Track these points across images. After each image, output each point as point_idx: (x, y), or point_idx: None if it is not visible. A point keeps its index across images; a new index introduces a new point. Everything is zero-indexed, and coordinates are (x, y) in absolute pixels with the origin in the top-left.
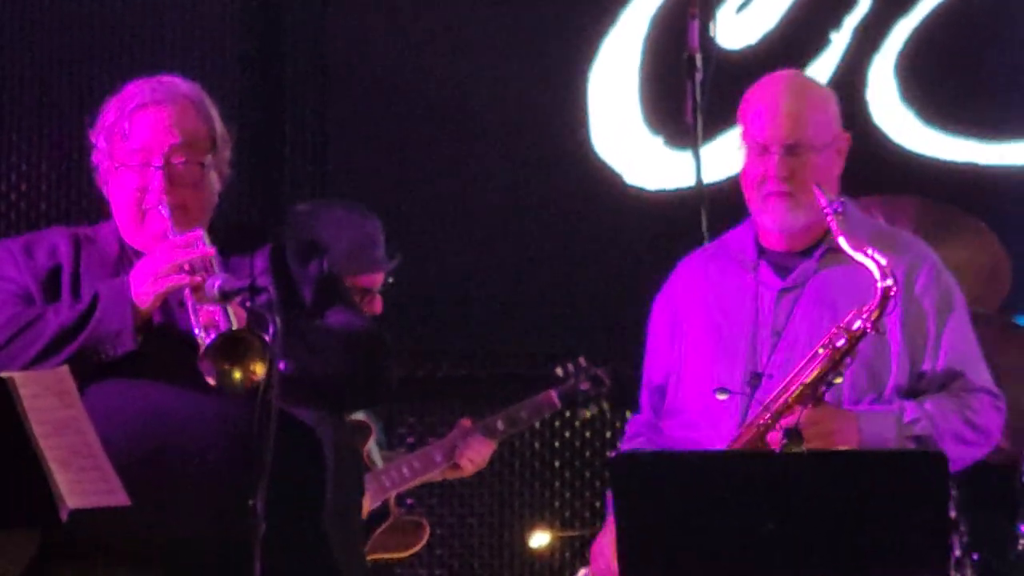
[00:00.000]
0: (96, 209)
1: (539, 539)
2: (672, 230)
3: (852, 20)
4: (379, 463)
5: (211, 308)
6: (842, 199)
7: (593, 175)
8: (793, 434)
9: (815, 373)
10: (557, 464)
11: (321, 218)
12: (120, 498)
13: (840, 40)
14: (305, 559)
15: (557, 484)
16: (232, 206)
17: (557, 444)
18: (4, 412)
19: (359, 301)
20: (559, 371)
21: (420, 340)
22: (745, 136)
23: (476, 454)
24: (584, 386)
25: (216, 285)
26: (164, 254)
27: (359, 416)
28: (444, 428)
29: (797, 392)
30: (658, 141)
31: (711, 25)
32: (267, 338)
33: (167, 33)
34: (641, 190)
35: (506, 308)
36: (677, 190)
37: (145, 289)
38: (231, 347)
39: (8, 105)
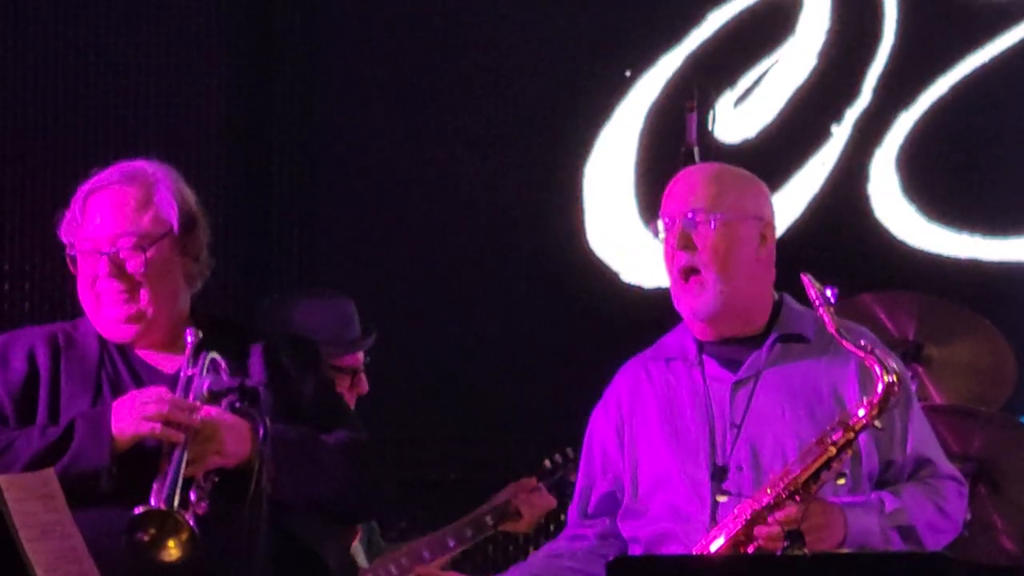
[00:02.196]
0: (79, 308)
1: None
2: (670, 328)
3: (853, 113)
4: (364, 563)
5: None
6: (832, 287)
7: (589, 272)
8: (795, 536)
9: (810, 468)
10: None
11: (295, 306)
12: None
13: (841, 133)
14: None
15: None
16: (219, 294)
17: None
18: None
19: (349, 383)
20: (547, 463)
21: (409, 435)
22: (660, 217)
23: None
24: (572, 477)
25: (205, 385)
26: (155, 401)
27: None
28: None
29: (790, 486)
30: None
31: (709, 118)
32: (259, 438)
33: (151, 119)
34: (638, 288)
35: (498, 401)
36: None
37: (126, 427)
38: (160, 522)
39: None
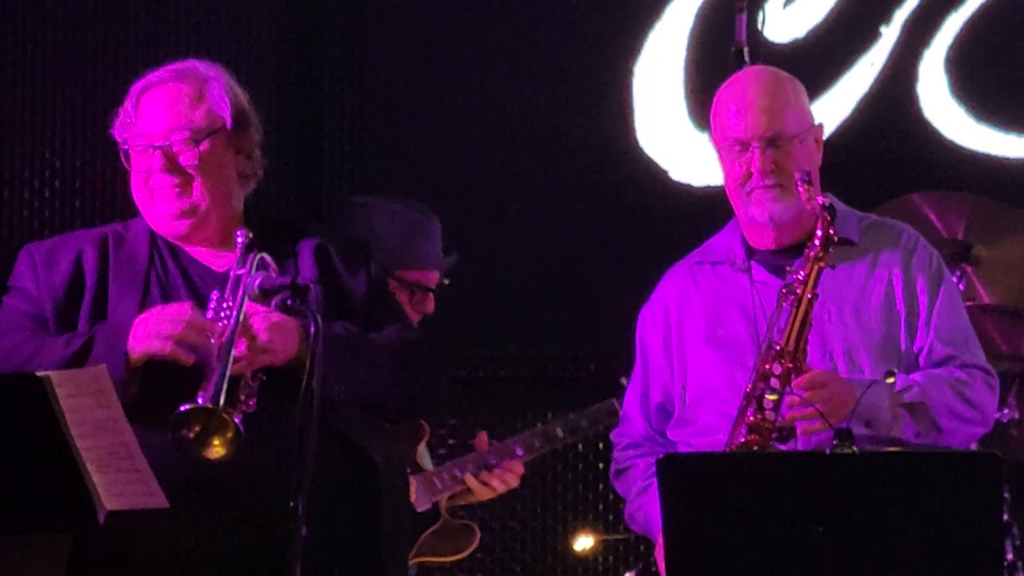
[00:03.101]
0: (131, 205)
1: (583, 543)
2: (719, 227)
3: (902, 14)
4: (430, 465)
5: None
6: (827, 195)
7: (639, 171)
8: (844, 435)
9: (794, 334)
10: (601, 466)
11: (377, 209)
12: (158, 500)
13: (890, 34)
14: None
15: (601, 487)
16: (270, 197)
17: (601, 446)
18: (41, 411)
19: (410, 297)
20: (624, 381)
21: (465, 342)
22: (719, 137)
23: (495, 481)
24: None
25: (256, 283)
26: (171, 321)
27: None
28: (492, 432)
29: (777, 353)
30: (704, 137)
31: (759, 18)
32: (310, 335)
33: (201, 27)
34: (687, 186)
35: (552, 309)
36: (723, 186)
37: (139, 344)
38: (205, 419)
39: (41, 101)
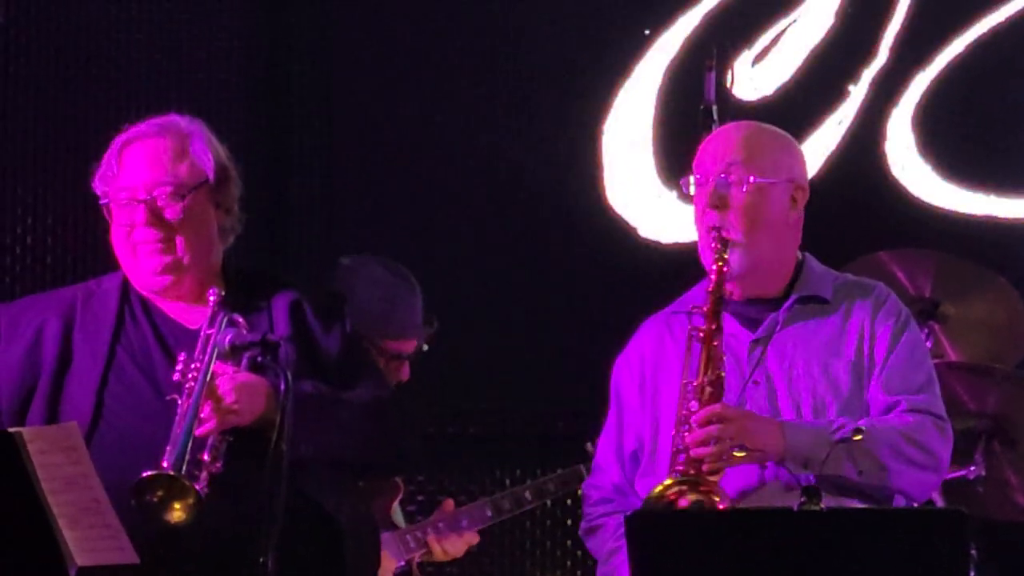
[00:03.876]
0: (103, 262)
1: None
2: (687, 284)
3: (869, 72)
4: (403, 522)
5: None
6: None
7: (607, 228)
8: (812, 492)
9: (704, 364)
10: (569, 523)
11: (361, 275)
12: (129, 555)
13: (857, 92)
14: None
15: (569, 543)
16: (239, 253)
17: (569, 503)
18: (13, 468)
19: (386, 365)
20: (589, 446)
21: (434, 399)
22: (693, 173)
23: (451, 546)
24: None
25: (227, 340)
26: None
27: None
28: (461, 488)
29: (693, 391)
30: (672, 195)
31: (727, 77)
32: (280, 393)
33: (171, 81)
34: (656, 243)
35: (521, 365)
36: (692, 243)
37: None
38: (167, 485)
39: (11, 155)
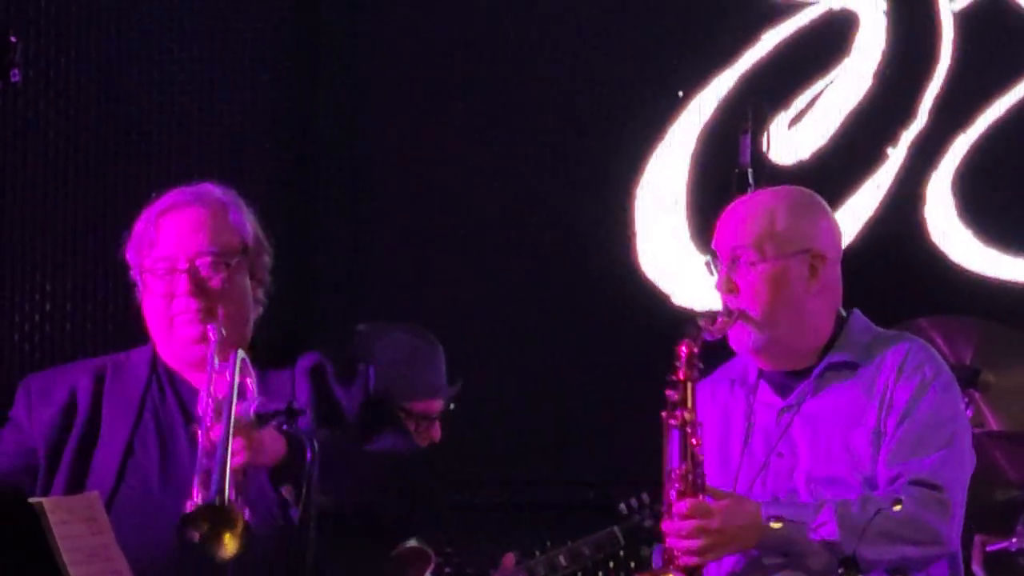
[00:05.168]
0: (122, 331)
1: None
2: (723, 352)
3: (908, 135)
4: None
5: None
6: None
7: (640, 295)
8: (850, 563)
9: (685, 451)
10: None
11: (380, 339)
12: None
13: (896, 156)
14: None
15: None
16: (265, 320)
17: (612, 564)
18: (34, 538)
19: (416, 428)
20: (623, 507)
21: (462, 467)
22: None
23: None
24: (648, 523)
25: (252, 408)
26: None
27: (416, 543)
28: (491, 560)
29: (674, 478)
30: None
31: (763, 140)
32: (305, 463)
33: (192, 148)
34: (689, 311)
35: (550, 434)
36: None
37: None
38: (212, 516)
39: (32, 220)
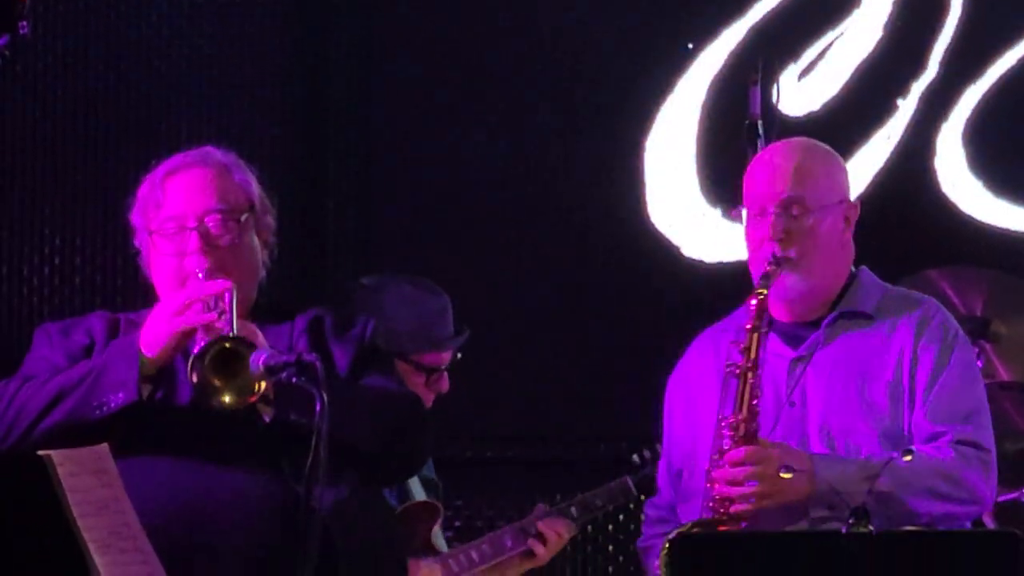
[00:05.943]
0: (132, 286)
1: None
2: (732, 303)
3: (919, 87)
4: (444, 547)
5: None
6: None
7: (650, 247)
8: (860, 513)
9: (741, 400)
10: (621, 537)
11: (387, 294)
12: None
13: (907, 107)
14: None
15: (621, 559)
16: (274, 282)
17: (610, 528)
18: (43, 491)
19: (426, 380)
20: (636, 459)
21: (472, 422)
22: (744, 201)
23: (554, 534)
24: None
25: (260, 360)
26: (175, 302)
27: (425, 497)
28: (500, 513)
29: (728, 426)
30: (716, 212)
31: (773, 92)
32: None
33: (205, 104)
34: (699, 262)
35: (561, 387)
36: (736, 262)
37: (156, 333)
38: (223, 361)
39: (42, 177)
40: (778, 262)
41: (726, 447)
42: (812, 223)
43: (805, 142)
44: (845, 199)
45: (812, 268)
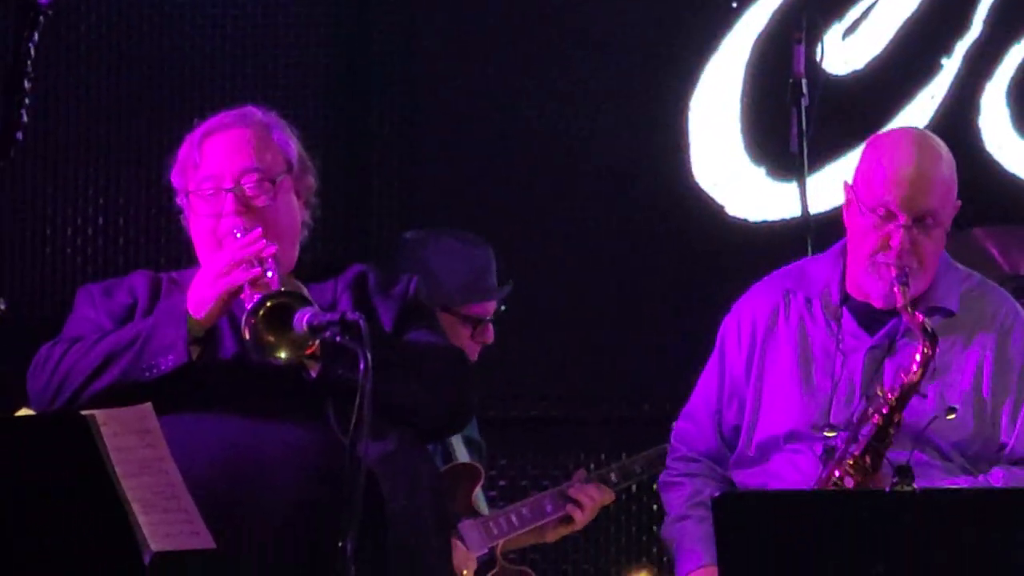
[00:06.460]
0: (175, 246)
1: None
2: (776, 263)
3: (963, 45)
4: (485, 509)
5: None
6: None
7: (694, 207)
8: (904, 471)
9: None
10: (655, 508)
11: (431, 247)
12: (205, 540)
13: (951, 66)
14: None
15: (654, 528)
16: (318, 238)
17: (654, 488)
18: (86, 451)
19: (472, 332)
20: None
21: (517, 382)
22: (863, 195)
23: (591, 500)
24: None
25: (304, 319)
26: (220, 256)
27: (467, 459)
28: (544, 473)
29: (852, 462)
30: (760, 171)
31: (817, 50)
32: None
33: (249, 67)
34: (744, 221)
35: (605, 347)
36: (780, 221)
37: (202, 294)
38: (275, 316)
39: (84, 139)
40: (900, 272)
41: (876, 421)
42: (939, 234)
43: (935, 143)
44: (955, 201)
45: (927, 272)
